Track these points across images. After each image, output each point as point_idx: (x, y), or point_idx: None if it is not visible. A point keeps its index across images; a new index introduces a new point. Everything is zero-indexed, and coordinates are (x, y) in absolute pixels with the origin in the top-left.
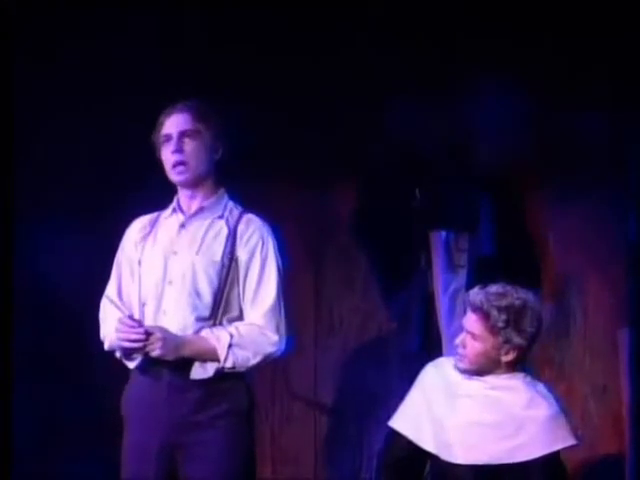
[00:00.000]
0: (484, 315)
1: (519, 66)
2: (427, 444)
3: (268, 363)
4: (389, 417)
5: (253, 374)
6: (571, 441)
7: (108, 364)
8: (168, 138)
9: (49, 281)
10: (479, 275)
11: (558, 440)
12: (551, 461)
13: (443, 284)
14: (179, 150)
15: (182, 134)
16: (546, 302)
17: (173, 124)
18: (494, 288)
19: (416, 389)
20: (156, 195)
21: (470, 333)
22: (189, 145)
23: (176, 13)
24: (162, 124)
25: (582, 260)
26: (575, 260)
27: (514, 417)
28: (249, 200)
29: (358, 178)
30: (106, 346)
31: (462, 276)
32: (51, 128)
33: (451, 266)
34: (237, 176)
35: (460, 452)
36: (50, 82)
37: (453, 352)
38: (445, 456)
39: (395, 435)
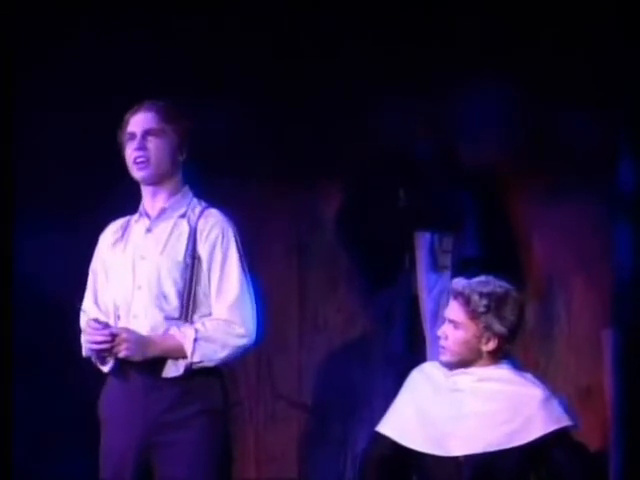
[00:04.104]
0: (465, 300)
1: (505, 66)
2: (415, 443)
3: (255, 363)
4: (373, 417)
5: (229, 373)
6: (566, 422)
7: None
8: (132, 136)
9: (49, 281)
10: (463, 276)
11: (553, 421)
12: (561, 439)
13: (427, 285)
14: (142, 148)
15: (146, 133)
16: (530, 303)
17: (138, 122)
18: (478, 278)
19: (402, 394)
20: None
21: (452, 322)
22: (152, 143)
23: (176, 13)
24: (127, 122)
25: (567, 261)
26: (560, 261)
27: (507, 403)
28: (234, 199)
29: (343, 178)
30: (83, 353)
31: (446, 277)
32: (51, 127)
33: (435, 267)
34: (222, 175)
35: (455, 444)
36: (50, 81)
37: (437, 353)
38: (438, 451)
39: (380, 436)
